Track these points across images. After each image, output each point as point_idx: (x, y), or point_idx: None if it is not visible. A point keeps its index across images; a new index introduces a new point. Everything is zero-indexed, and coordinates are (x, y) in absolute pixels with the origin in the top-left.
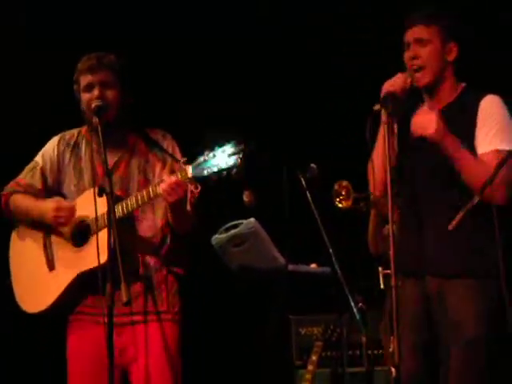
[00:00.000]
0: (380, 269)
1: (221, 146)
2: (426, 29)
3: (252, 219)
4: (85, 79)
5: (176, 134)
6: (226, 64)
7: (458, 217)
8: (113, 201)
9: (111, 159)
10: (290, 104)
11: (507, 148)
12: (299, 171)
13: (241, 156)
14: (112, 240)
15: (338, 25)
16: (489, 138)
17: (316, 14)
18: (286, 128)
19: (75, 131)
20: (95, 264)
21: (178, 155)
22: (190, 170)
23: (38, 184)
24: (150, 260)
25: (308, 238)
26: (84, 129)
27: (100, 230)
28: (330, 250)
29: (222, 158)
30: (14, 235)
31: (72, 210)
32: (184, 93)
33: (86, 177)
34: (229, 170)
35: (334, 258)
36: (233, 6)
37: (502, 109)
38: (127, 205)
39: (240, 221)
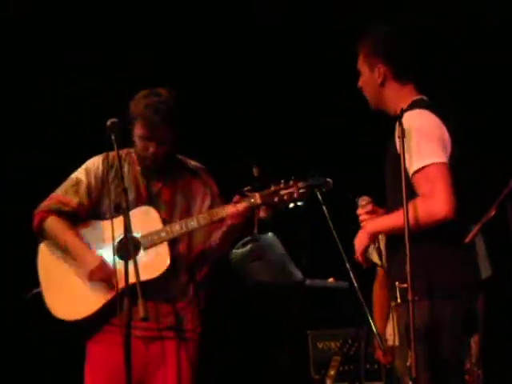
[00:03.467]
0: (397, 283)
1: (292, 179)
2: (359, 58)
3: (269, 234)
4: (142, 130)
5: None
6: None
7: (474, 230)
8: (128, 217)
9: (157, 183)
10: (304, 119)
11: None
12: (315, 186)
13: (309, 192)
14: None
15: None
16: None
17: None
18: (302, 142)
19: (119, 152)
20: (154, 275)
21: (215, 188)
22: (258, 197)
23: (85, 200)
24: (183, 280)
25: (325, 252)
26: (126, 151)
27: (154, 244)
28: (347, 265)
29: (292, 190)
30: (43, 246)
31: (109, 275)
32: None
33: (130, 198)
34: (295, 201)
35: (351, 272)
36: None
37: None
38: (187, 224)
39: (257, 236)
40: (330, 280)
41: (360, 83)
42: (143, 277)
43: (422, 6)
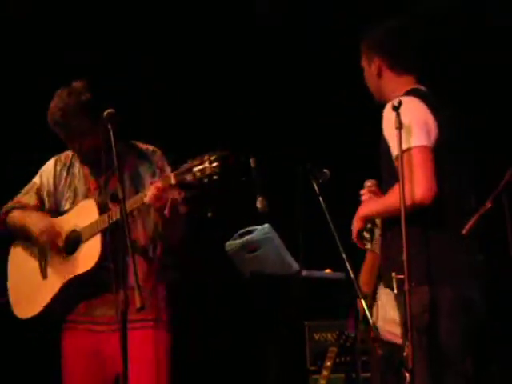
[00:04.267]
0: (393, 274)
1: (204, 154)
2: (362, 56)
3: (266, 225)
4: (59, 135)
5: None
6: (226, 65)
7: (471, 221)
8: (125, 207)
9: (104, 175)
10: (302, 110)
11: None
12: (312, 176)
13: (222, 164)
14: (128, 242)
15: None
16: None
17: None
18: (300, 134)
19: (70, 152)
20: (84, 270)
21: (168, 170)
22: (172, 176)
23: (37, 202)
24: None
25: (322, 243)
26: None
27: (91, 236)
28: (344, 256)
29: (204, 165)
30: (12, 249)
31: (56, 236)
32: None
33: (80, 192)
34: (209, 177)
35: (347, 263)
36: None
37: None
38: (116, 213)
39: (254, 227)
40: (327, 271)
41: (365, 79)
42: (78, 271)
43: (422, 6)
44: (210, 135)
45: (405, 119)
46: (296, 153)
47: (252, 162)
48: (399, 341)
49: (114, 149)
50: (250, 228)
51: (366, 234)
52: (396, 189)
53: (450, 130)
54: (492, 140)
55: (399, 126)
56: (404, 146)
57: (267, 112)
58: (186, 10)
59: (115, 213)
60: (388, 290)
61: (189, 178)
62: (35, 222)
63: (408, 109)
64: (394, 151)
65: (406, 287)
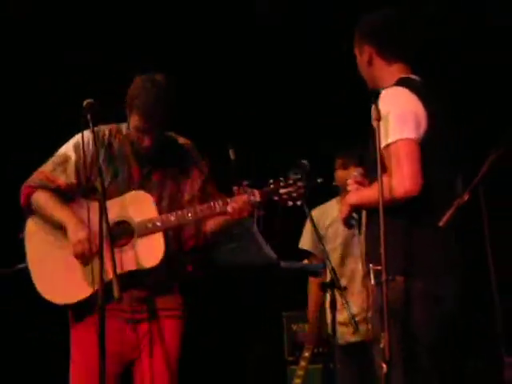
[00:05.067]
0: (371, 265)
1: (291, 175)
2: (354, 44)
3: None
4: (139, 123)
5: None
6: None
7: (448, 214)
8: (104, 200)
9: (147, 164)
10: (280, 101)
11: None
12: (290, 168)
13: (307, 190)
14: (104, 232)
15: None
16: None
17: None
18: (278, 125)
19: (105, 129)
20: (150, 265)
21: (206, 167)
22: (258, 195)
23: (73, 179)
24: (172, 265)
25: (300, 234)
26: (115, 128)
27: (148, 233)
28: (322, 246)
29: (290, 190)
30: (31, 223)
31: (89, 252)
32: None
33: (121, 175)
34: (295, 200)
35: (326, 254)
36: None
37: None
38: (184, 216)
39: None
40: (305, 262)
41: (358, 67)
42: (138, 266)
43: (422, 6)
44: (209, 134)
45: (393, 110)
46: (297, 152)
47: (231, 153)
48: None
49: (93, 137)
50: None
51: (354, 221)
52: (390, 178)
53: (440, 121)
54: (492, 139)
55: (378, 117)
56: (391, 139)
57: (267, 112)
58: (186, 10)
59: (181, 215)
60: None
61: (275, 198)
62: (73, 226)
63: (396, 100)
64: (383, 142)
65: (384, 278)
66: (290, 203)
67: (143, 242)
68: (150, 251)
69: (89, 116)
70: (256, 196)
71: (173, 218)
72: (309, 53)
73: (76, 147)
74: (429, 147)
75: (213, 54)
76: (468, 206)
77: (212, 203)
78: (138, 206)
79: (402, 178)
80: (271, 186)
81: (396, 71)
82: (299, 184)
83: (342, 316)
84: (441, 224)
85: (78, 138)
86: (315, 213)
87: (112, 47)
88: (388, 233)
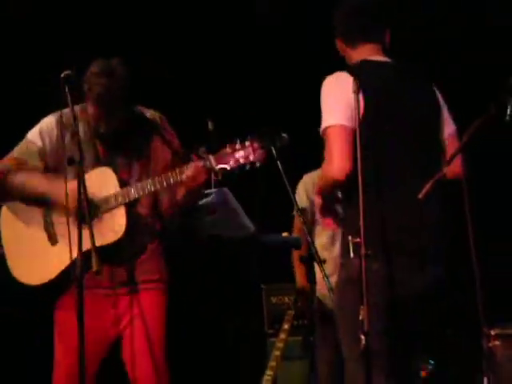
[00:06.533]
0: (350, 238)
1: (248, 139)
2: None
3: (223, 188)
4: (94, 111)
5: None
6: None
7: (427, 186)
8: (82, 170)
9: (115, 141)
10: (260, 73)
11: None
12: (270, 140)
13: (265, 153)
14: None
15: None
16: None
17: None
18: (257, 98)
19: (70, 111)
20: (112, 239)
21: (175, 139)
22: (213, 160)
23: (38, 164)
24: (146, 236)
25: (279, 206)
26: (80, 108)
27: (112, 208)
28: (302, 219)
29: (247, 152)
30: (4, 210)
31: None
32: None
33: (88, 159)
34: (252, 164)
35: (305, 227)
36: None
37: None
38: (143, 188)
39: (211, 190)
40: (284, 234)
41: None
42: (102, 242)
43: (422, 6)
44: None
45: (323, 97)
46: (255, 117)
47: (210, 125)
48: None
49: (73, 110)
50: (207, 191)
51: (329, 211)
52: (324, 164)
53: (406, 99)
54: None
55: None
56: (322, 126)
57: (268, 112)
58: (186, 10)
59: (141, 187)
60: None
61: (231, 163)
62: (54, 186)
63: (327, 86)
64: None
65: (363, 252)
66: (248, 167)
67: (106, 218)
68: (112, 226)
69: (67, 88)
70: (210, 161)
71: (133, 191)
72: (309, 53)
73: (41, 133)
74: (379, 125)
75: (212, 54)
76: (448, 181)
77: (169, 173)
78: (102, 183)
79: (331, 165)
80: (226, 149)
81: (360, 54)
82: (255, 145)
83: (323, 288)
84: (420, 197)
85: (42, 122)
86: (306, 178)
87: (112, 47)
88: (351, 212)
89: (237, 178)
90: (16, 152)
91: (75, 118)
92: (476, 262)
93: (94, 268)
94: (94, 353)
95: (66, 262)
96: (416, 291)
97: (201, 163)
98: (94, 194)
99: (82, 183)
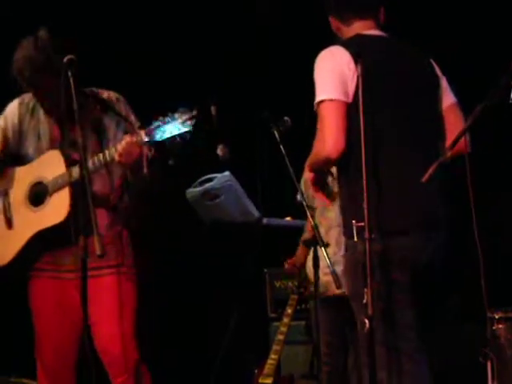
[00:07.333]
0: (353, 222)
1: (174, 111)
2: None
3: (227, 173)
4: (28, 89)
5: (131, 98)
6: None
7: (430, 170)
8: (85, 159)
9: (69, 123)
10: (262, 58)
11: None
12: (273, 124)
13: (193, 122)
14: (89, 195)
15: None
16: None
17: None
18: (260, 82)
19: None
20: (53, 222)
21: (132, 118)
22: (143, 134)
23: (1, 145)
24: (103, 217)
25: (283, 191)
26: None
27: (58, 189)
28: (305, 203)
29: (175, 124)
30: None
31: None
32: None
33: (44, 138)
34: (181, 135)
35: (308, 211)
36: None
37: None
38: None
39: (215, 174)
40: (288, 219)
41: None
42: (48, 223)
43: (421, 6)
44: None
45: (316, 72)
46: (258, 101)
47: (213, 110)
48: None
49: (74, 96)
50: (211, 176)
51: (321, 186)
52: (316, 141)
53: (403, 74)
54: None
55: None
56: (315, 101)
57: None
58: (186, 10)
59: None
60: None
61: (161, 135)
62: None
63: (321, 61)
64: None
65: (367, 235)
66: (178, 138)
67: (52, 200)
68: (55, 208)
69: (69, 73)
70: (141, 135)
71: (76, 170)
72: (309, 52)
73: (6, 116)
74: (375, 97)
75: (212, 54)
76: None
77: (106, 151)
78: (52, 165)
79: (323, 142)
80: (156, 122)
81: (354, 30)
82: (185, 117)
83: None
84: (423, 180)
85: (9, 106)
86: None
87: (112, 47)
88: (345, 191)
89: (239, 162)
90: None
91: (81, 105)
92: (479, 245)
93: (98, 252)
94: (70, 340)
95: (20, 244)
96: (428, 257)
97: (133, 138)
98: (42, 177)
99: (86, 182)
